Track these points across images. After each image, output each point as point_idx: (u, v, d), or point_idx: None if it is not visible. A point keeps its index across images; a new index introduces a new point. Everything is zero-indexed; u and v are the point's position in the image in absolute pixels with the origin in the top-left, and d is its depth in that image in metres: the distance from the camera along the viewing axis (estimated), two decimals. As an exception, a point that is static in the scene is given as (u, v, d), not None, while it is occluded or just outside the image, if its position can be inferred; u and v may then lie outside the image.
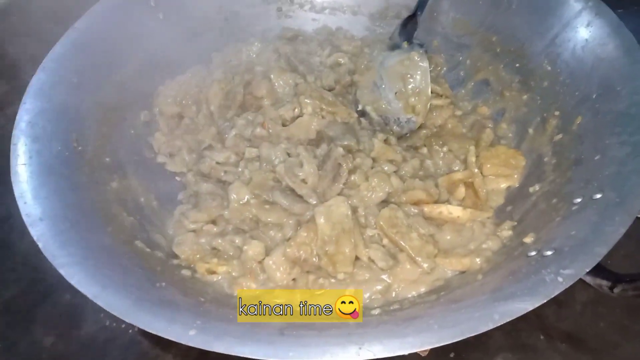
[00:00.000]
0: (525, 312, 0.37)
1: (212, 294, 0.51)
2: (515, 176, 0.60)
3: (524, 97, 0.66)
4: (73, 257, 0.45)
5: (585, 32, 0.60)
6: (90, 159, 0.58)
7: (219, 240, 0.55)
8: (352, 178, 0.56)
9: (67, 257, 0.45)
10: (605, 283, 0.39)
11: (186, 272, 0.53)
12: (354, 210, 0.55)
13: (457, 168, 0.62)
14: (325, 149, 0.59)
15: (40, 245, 0.45)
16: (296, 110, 0.62)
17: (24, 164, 0.52)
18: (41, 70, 0.60)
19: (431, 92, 0.69)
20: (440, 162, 0.62)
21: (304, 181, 0.56)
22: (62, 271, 0.43)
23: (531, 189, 0.57)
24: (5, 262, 0.68)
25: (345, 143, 0.58)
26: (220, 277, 0.53)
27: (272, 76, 0.65)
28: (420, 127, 0.65)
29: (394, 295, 0.50)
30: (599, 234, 0.42)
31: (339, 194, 0.55)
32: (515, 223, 0.54)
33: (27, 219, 0.47)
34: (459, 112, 0.69)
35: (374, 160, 0.59)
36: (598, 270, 0.40)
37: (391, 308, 0.46)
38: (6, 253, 0.68)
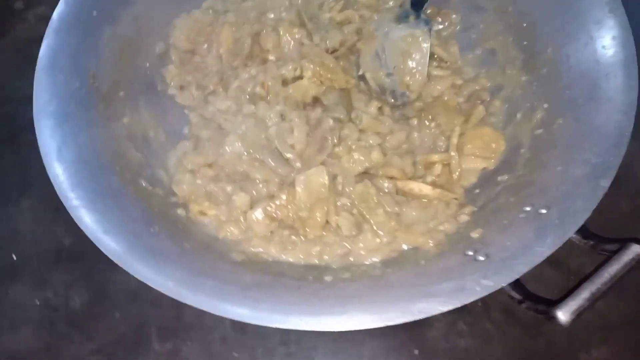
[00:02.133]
0: (437, 313, 0.45)
1: (199, 236, 0.59)
2: (493, 160, 0.64)
3: (523, 78, 0.67)
4: (82, 201, 0.53)
5: (592, 28, 0.59)
6: (105, 95, 0.64)
7: (213, 185, 0.63)
8: (337, 150, 0.61)
9: (77, 200, 0.53)
10: (516, 296, 0.46)
11: (181, 212, 0.61)
12: (334, 177, 0.61)
13: (441, 144, 0.66)
14: (319, 113, 0.64)
15: (55, 186, 0.54)
16: (297, 71, 0.65)
17: (46, 103, 0.58)
18: (63, 2, 0.64)
19: (435, 57, 0.71)
20: (426, 137, 0.65)
21: (292, 146, 0.62)
22: (71, 213, 0.52)
23: (500, 178, 0.61)
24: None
25: (336, 115, 0.62)
26: (209, 220, 0.62)
27: (280, 30, 0.67)
28: (417, 97, 0.68)
29: (351, 260, 0.58)
30: (528, 252, 0.48)
31: (322, 163, 0.61)
32: (476, 209, 0.60)
33: (45, 158, 0.55)
34: (459, 81, 0.70)
35: (361, 131, 0.64)
36: (514, 283, 0.47)
37: (343, 276, 0.54)
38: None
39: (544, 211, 0.51)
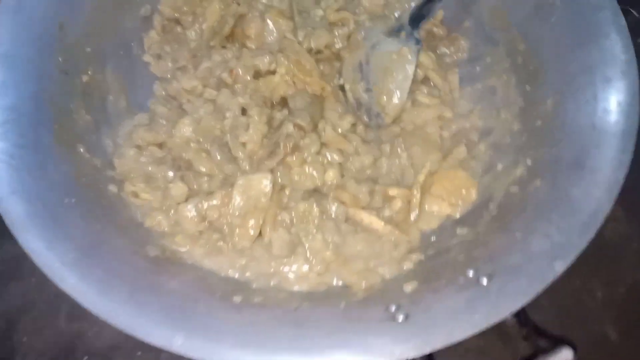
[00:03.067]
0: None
1: (121, 219, 0.54)
2: (459, 208, 0.58)
3: (515, 127, 0.60)
4: (1, 154, 0.49)
5: (599, 87, 0.52)
6: (69, 47, 0.60)
7: (155, 167, 0.58)
8: (288, 159, 0.56)
9: (-4, 152, 0.49)
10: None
11: (113, 188, 0.57)
12: (282, 188, 0.56)
13: (409, 178, 0.60)
14: (285, 115, 0.59)
15: (-25, 131, 0.50)
16: (272, 65, 0.60)
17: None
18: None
19: (431, 84, 0.65)
20: (394, 167, 0.60)
21: (243, 145, 0.57)
22: (-17, 165, 0.48)
23: (459, 230, 0.55)
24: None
25: (298, 121, 0.56)
26: (140, 204, 0.57)
27: (267, 18, 0.62)
28: (395, 122, 0.62)
29: (274, 283, 0.53)
30: (450, 324, 0.42)
31: (272, 169, 0.56)
32: (423, 258, 0.54)
33: (-23, 102, 0.51)
34: (449, 114, 0.64)
35: (324, 144, 0.58)
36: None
37: (253, 300, 0.49)
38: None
39: (484, 281, 0.45)
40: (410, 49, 0.59)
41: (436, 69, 0.64)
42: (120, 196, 0.57)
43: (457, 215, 0.58)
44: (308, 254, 0.53)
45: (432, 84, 0.65)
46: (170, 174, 0.58)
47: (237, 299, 0.48)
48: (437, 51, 0.68)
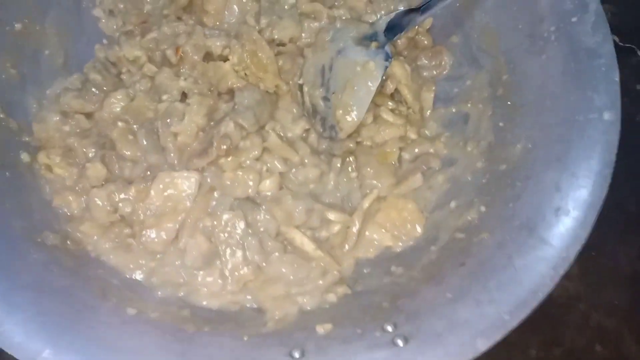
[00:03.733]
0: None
1: (25, 195, 0.49)
2: (400, 243, 0.54)
3: (479, 164, 0.55)
4: None
5: (573, 145, 0.47)
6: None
7: (76, 140, 0.52)
8: (222, 161, 0.50)
9: None
10: None
11: (25, 157, 0.51)
12: (211, 190, 0.51)
13: (355, 200, 0.55)
14: (231, 108, 0.53)
15: None
16: (226, 50, 0.53)
17: None
18: None
19: (402, 99, 0.60)
20: (342, 185, 0.54)
21: (175, 135, 0.51)
22: None
23: (394, 268, 0.51)
24: None
25: (240, 121, 0.50)
26: (52, 179, 0.51)
27: (232, -5, 0.55)
28: (352, 136, 0.56)
29: (182, 294, 0.48)
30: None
31: (201, 169, 0.50)
32: (350, 292, 0.50)
33: None
34: (413, 136, 0.59)
35: (267, 149, 0.52)
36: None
37: (149, 315, 0.44)
38: None
39: (399, 343, 0.40)
40: (377, 64, 0.52)
41: (409, 84, 0.58)
42: (30, 167, 0.51)
43: (397, 250, 0.54)
44: (225, 270, 0.48)
45: (403, 100, 0.59)
46: (92, 151, 0.52)
47: (131, 311, 0.43)
48: (418, 62, 0.62)
